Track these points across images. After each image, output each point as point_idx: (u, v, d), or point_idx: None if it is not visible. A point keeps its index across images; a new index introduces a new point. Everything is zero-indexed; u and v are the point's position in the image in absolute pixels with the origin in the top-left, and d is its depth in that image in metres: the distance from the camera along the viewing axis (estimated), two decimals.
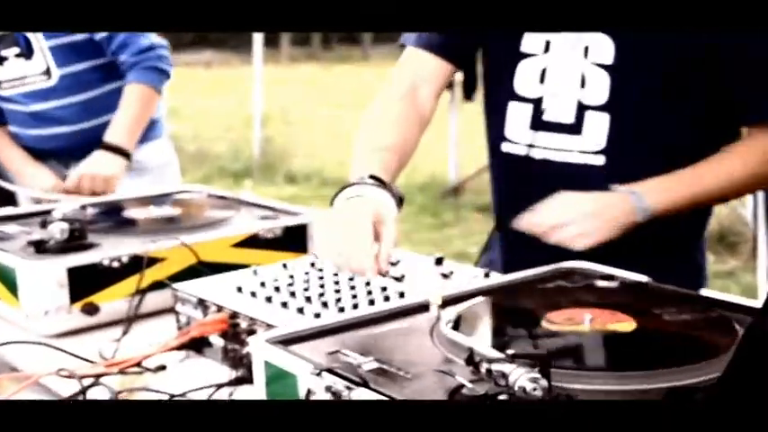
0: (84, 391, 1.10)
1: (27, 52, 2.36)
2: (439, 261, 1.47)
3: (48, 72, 2.37)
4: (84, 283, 1.47)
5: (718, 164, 1.43)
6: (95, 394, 1.11)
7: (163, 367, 1.26)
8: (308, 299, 1.29)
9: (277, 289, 1.34)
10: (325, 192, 6.40)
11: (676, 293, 1.21)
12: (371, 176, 1.32)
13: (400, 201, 1.33)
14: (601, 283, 1.25)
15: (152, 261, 1.52)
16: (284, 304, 1.28)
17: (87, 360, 1.27)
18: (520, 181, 1.54)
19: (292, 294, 1.32)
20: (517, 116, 1.53)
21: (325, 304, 1.27)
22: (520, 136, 1.53)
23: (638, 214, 1.38)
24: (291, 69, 11.38)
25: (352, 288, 1.34)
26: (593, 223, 1.36)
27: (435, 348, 1.04)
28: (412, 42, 1.59)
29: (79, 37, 2.36)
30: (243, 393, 1.18)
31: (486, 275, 1.39)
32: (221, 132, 8.30)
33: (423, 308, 1.17)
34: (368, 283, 1.35)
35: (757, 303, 1.13)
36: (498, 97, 1.56)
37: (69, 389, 1.13)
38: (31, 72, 2.37)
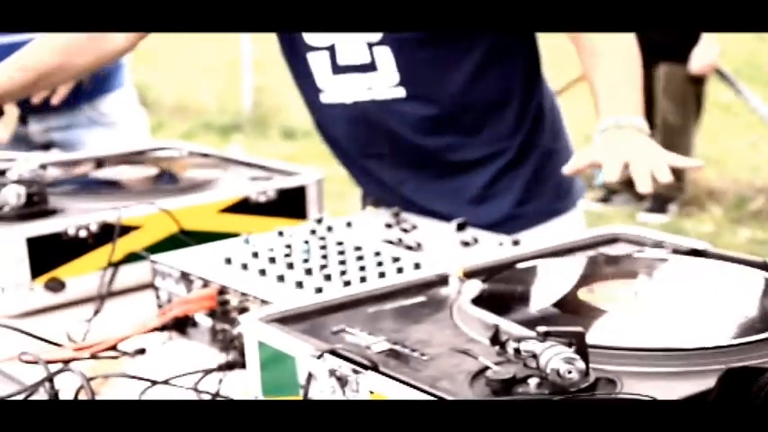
0: (50, 377, 1.13)
1: None
2: (461, 227, 1.49)
3: None
4: (47, 255, 1.50)
5: (621, 64, 1.57)
6: (64, 381, 1.14)
7: (142, 351, 1.29)
8: (309, 271, 1.32)
9: (272, 260, 1.37)
10: (327, 149, 6.40)
11: (738, 261, 1.23)
12: None
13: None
14: (650, 251, 1.27)
15: (125, 230, 1.55)
16: (280, 278, 1.30)
17: (54, 343, 1.30)
18: (349, 125, 1.76)
19: (290, 266, 1.34)
20: (318, 65, 1.73)
21: (328, 277, 1.30)
22: (325, 84, 1.74)
23: (645, 131, 1.48)
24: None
25: (360, 258, 1.37)
26: (650, 151, 1.42)
27: (455, 326, 1.07)
28: None
29: None
30: (234, 379, 1.21)
31: (515, 243, 1.41)
32: (205, 80, 8.30)
33: (441, 281, 1.19)
34: (378, 253, 1.38)
35: None
36: (295, 50, 1.76)
37: (33, 375, 1.17)
38: None
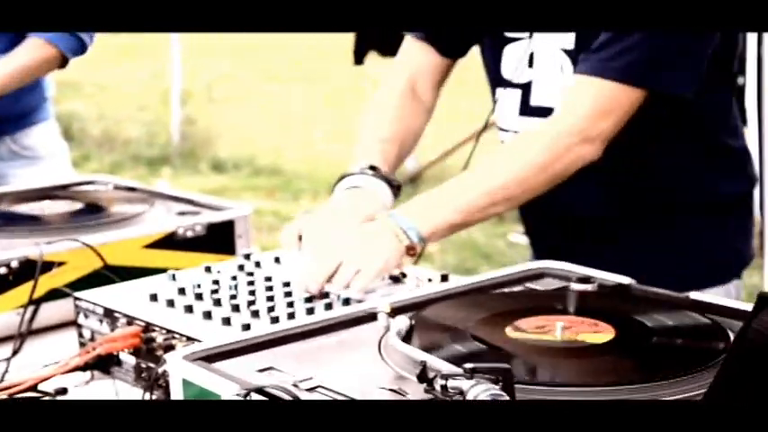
0: None
1: None
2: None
3: None
4: None
5: (479, 169, 1.53)
6: None
7: (63, 391, 1.27)
8: (236, 308, 1.31)
9: (199, 296, 1.36)
10: (258, 182, 6.39)
11: (662, 297, 1.25)
12: (370, 167, 1.60)
13: (398, 189, 1.62)
14: (576, 287, 1.29)
15: (48, 266, 1.52)
16: (207, 314, 1.29)
17: None
18: None
19: (217, 303, 1.33)
20: (506, 102, 1.67)
21: (255, 313, 1.29)
22: (509, 123, 1.67)
23: (407, 235, 1.44)
24: (217, 33, 11.35)
25: (288, 294, 1.36)
26: (364, 255, 1.40)
27: (384, 363, 1.07)
28: (410, 34, 1.78)
29: None
30: None
31: (444, 278, 1.42)
32: (133, 111, 8.22)
33: (370, 317, 1.19)
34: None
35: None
36: (490, 84, 1.72)
37: None
38: None
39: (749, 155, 1.75)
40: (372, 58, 5.65)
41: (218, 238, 1.71)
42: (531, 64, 1.64)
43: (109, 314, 1.34)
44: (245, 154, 6.94)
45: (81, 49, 2.40)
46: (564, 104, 1.55)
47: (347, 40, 5.82)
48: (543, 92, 1.62)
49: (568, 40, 1.59)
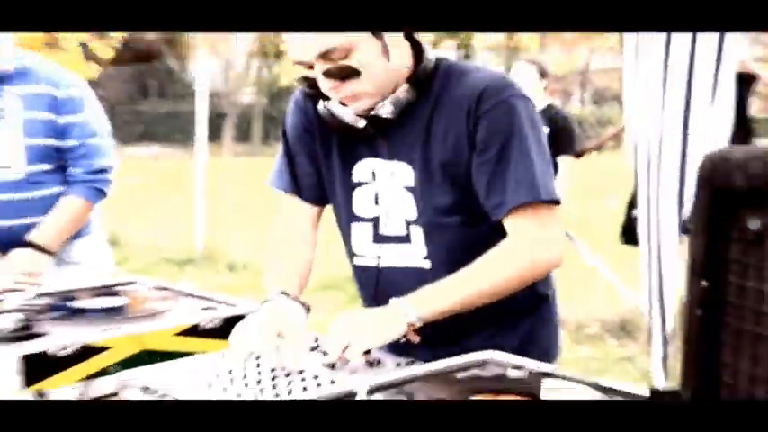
0: None
1: None
2: (367, 350, 1.52)
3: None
4: (36, 370, 1.47)
5: (477, 270, 1.56)
6: None
7: None
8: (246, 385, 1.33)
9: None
10: (257, 281, 6.38)
11: (576, 380, 1.29)
12: (282, 292, 1.64)
13: (308, 309, 1.64)
14: (512, 372, 1.33)
15: (99, 349, 1.54)
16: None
17: None
18: (376, 285, 1.70)
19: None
20: (360, 234, 1.70)
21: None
22: (366, 250, 1.70)
23: (409, 319, 1.51)
24: (235, 163, 11.43)
25: (287, 375, 1.39)
26: (366, 334, 1.49)
27: None
28: (276, 186, 1.79)
29: (47, 141, 2.39)
30: None
31: (409, 364, 1.45)
32: (166, 223, 8.27)
33: (350, 395, 1.22)
34: (301, 371, 1.41)
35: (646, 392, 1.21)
36: (342, 219, 1.73)
37: None
38: None
39: None
40: None
41: (233, 329, 1.73)
42: (376, 202, 1.66)
43: (145, 390, 1.35)
44: (253, 256, 6.96)
45: (106, 196, 2.49)
46: (516, 232, 1.57)
47: None
48: (390, 223, 1.65)
49: (410, 178, 1.62)
